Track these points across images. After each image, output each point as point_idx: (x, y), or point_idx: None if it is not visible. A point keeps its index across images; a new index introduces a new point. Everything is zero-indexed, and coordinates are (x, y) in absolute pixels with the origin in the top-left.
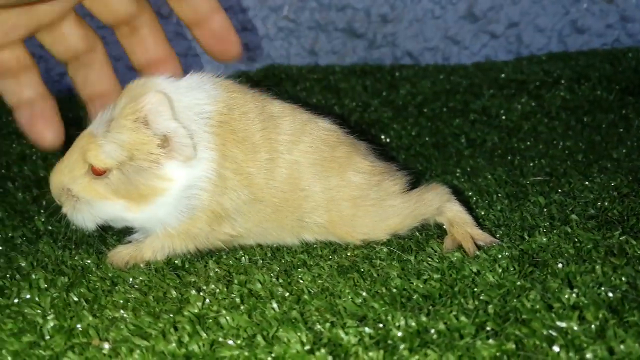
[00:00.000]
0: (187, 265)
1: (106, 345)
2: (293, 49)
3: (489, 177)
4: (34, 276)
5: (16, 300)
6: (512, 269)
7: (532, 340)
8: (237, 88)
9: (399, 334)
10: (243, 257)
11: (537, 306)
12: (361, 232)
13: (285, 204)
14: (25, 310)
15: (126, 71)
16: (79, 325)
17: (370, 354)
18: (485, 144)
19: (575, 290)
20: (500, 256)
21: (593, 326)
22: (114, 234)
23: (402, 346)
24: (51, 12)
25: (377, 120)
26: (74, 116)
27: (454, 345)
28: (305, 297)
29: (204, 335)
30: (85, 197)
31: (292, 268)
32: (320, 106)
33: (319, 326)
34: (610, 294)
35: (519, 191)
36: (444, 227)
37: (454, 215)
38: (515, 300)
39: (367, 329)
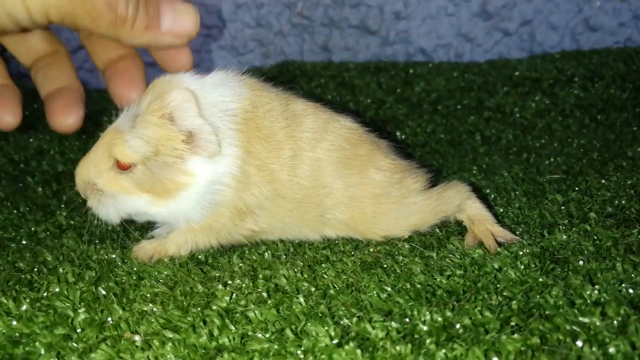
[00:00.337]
0: (210, 260)
1: (138, 338)
2: (307, 46)
3: (506, 174)
4: (61, 270)
5: (46, 294)
6: (533, 265)
7: (556, 335)
8: (261, 86)
9: (425, 328)
10: (266, 253)
11: (560, 302)
12: (382, 229)
13: (308, 200)
14: (56, 304)
15: None
16: (109, 319)
17: (398, 347)
18: (500, 141)
19: (597, 286)
20: (521, 253)
21: (615, 322)
22: (137, 229)
23: (428, 340)
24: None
25: (393, 117)
26: (90, 111)
27: (479, 340)
28: (331, 292)
29: (233, 328)
30: (110, 191)
31: (315, 263)
32: (336, 103)
33: (346, 320)
34: (631, 291)
35: (536, 189)
36: (464, 224)
37: (474, 212)
38: (538, 296)
39: (393, 324)
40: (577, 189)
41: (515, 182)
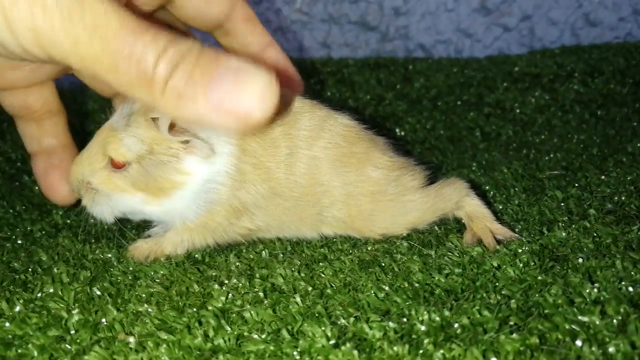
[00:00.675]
0: (207, 260)
1: (132, 340)
2: (306, 42)
3: (505, 171)
4: (56, 270)
5: (40, 295)
6: (532, 263)
7: (555, 335)
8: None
9: (423, 328)
10: (263, 251)
11: (559, 301)
12: (380, 227)
13: (305, 198)
14: (50, 305)
15: None
16: (104, 320)
17: (395, 348)
18: (500, 137)
19: (596, 285)
20: (520, 251)
21: (615, 321)
22: (133, 228)
23: (426, 340)
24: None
25: (392, 114)
26: (89, 109)
27: (478, 340)
28: (328, 291)
29: (229, 329)
30: (104, 189)
31: (313, 262)
32: (335, 99)
33: (343, 321)
34: (631, 289)
35: (535, 185)
36: (463, 221)
37: (472, 209)
38: (537, 295)
39: (391, 324)
40: (576, 185)
41: (514, 178)
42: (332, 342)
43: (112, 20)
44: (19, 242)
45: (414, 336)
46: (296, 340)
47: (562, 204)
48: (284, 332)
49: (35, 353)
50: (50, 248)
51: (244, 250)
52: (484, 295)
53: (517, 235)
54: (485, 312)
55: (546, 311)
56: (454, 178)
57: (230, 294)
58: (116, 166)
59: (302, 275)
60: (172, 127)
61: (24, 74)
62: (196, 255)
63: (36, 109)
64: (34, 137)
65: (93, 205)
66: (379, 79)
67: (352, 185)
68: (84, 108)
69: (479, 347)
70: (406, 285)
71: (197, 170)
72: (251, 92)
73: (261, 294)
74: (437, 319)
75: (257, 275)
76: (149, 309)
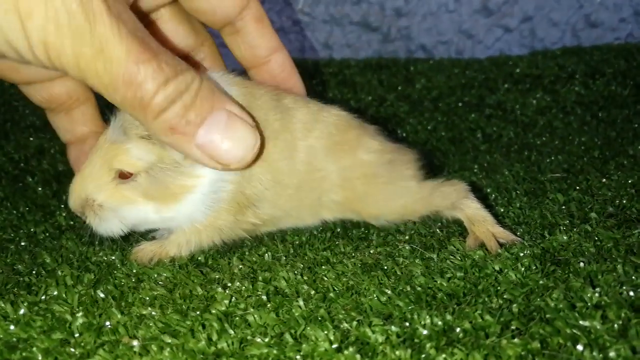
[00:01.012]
0: (210, 262)
1: (136, 343)
2: (308, 42)
3: (507, 173)
4: (60, 273)
5: (44, 297)
6: (534, 267)
7: (556, 339)
8: (250, 83)
9: (425, 332)
10: (266, 254)
11: (561, 305)
12: (374, 209)
13: (305, 185)
14: (54, 307)
15: None
16: (107, 323)
17: (398, 352)
18: (501, 139)
19: (598, 289)
20: (522, 254)
21: (616, 325)
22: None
23: (428, 345)
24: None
25: (394, 115)
26: None
27: (480, 344)
28: (331, 295)
29: (232, 333)
30: (112, 203)
31: (315, 265)
32: (337, 100)
33: (345, 324)
34: (632, 293)
35: (537, 188)
36: (464, 224)
37: (473, 212)
38: (539, 299)
39: (393, 328)
40: (578, 188)
41: (516, 181)
42: (335, 346)
43: (118, 46)
44: (23, 244)
45: (416, 340)
46: (299, 344)
47: (564, 207)
48: (287, 336)
49: (40, 356)
50: (54, 250)
51: (247, 253)
52: (486, 299)
53: (519, 238)
54: (487, 317)
55: (547, 315)
56: (455, 179)
57: (233, 297)
58: (124, 177)
59: (305, 278)
60: None
61: (39, 70)
62: (199, 258)
63: (62, 100)
64: (65, 127)
65: (100, 222)
66: (380, 80)
67: (347, 170)
68: None
69: (481, 351)
70: (408, 289)
71: (206, 172)
72: (236, 144)
73: (264, 297)
74: (439, 323)
75: (260, 278)
76: (153, 312)
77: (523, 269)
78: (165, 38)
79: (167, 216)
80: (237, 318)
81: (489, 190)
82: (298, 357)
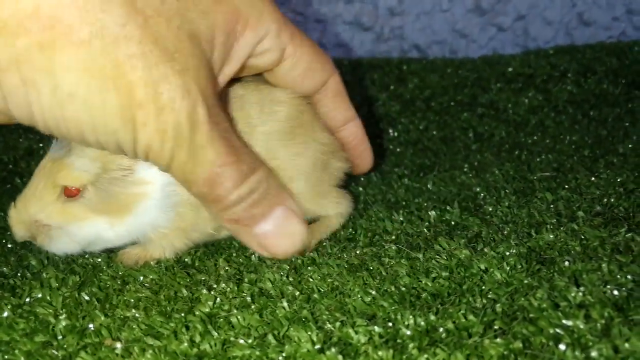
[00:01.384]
0: (197, 264)
1: (118, 345)
2: None
3: (497, 172)
4: (45, 275)
5: (28, 300)
6: (519, 266)
7: (539, 339)
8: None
9: (408, 332)
10: (253, 255)
11: (544, 305)
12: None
13: None
14: (37, 310)
15: None
16: (91, 325)
17: (380, 353)
18: (492, 138)
19: (582, 288)
20: (507, 253)
21: (598, 324)
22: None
23: (411, 345)
24: None
25: (386, 114)
26: None
27: (462, 344)
28: (315, 296)
29: (215, 334)
30: (60, 222)
31: (301, 266)
32: None
33: (329, 325)
34: (616, 292)
35: (526, 187)
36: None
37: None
38: (522, 298)
39: (376, 328)
40: (566, 187)
41: (505, 180)
42: (317, 346)
43: (210, 150)
44: (9, 246)
45: (399, 341)
46: (282, 345)
47: (552, 206)
48: (270, 337)
49: (22, 358)
50: (40, 252)
51: (234, 254)
52: (470, 299)
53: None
54: (471, 317)
55: (531, 315)
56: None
57: (218, 299)
58: (70, 195)
59: (291, 279)
60: None
61: None
62: (186, 260)
63: None
64: None
65: (51, 242)
66: (372, 80)
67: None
68: None
69: (463, 351)
70: (393, 289)
71: (154, 177)
72: (287, 240)
73: (249, 299)
74: (423, 323)
75: (246, 280)
76: (137, 314)
77: (508, 268)
78: None
79: (121, 230)
80: (221, 319)
81: (478, 189)
82: (280, 358)
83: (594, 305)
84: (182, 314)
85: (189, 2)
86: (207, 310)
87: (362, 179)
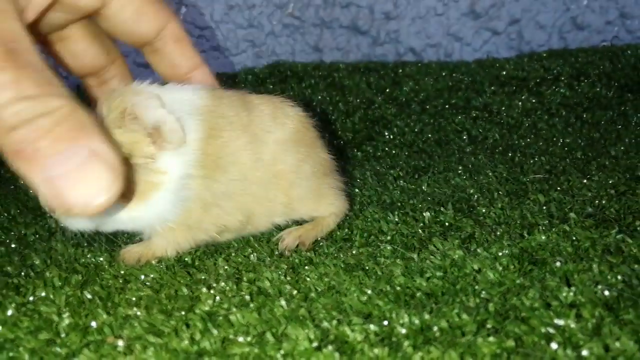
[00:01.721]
0: (197, 263)
1: (120, 343)
2: (298, 46)
3: (490, 174)
4: (48, 274)
5: (31, 298)
6: (512, 267)
7: (531, 338)
8: (216, 87)
9: (403, 331)
10: (252, 255)
11: (536, 304)
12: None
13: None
14: (41, 308)
15: (134, 67)
16: (93, 323)
17: (376, 350)
18: (486, 140)
19: (573, 288)
20: (500, 254)
21: (589, 324)
22: (124, 232)
23: (405, 343)
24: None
25: (381, 117)
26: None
27: (455, 343)
28: (313, 295)
29: (215, 332)
30: None
31: (299, 266)
32: (325, 103)
33: (325, 323)
34: (607, 292)
35: (519, 189)
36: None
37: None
38: (515, 298)
39: (372, 326)
40: (559, 188)
41: (499, 182)
42: (314, 344)
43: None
44: (13, 245)
45: (394, 339)
46: (280, 343)
47: (544, 208)
48: (268, 335)
49: (26, 356)
50: (43, 252)
51: (233, 254)
52: (464, 298)
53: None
54: (464, 316)
55: (523, 314)
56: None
57: (217, 297)
58: None
59: (288, 279)
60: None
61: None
62: (186, 259)
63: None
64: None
65: (68, 217)
66: (368, 83)
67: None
68: None
69: (457, 349)
70: (388, 288)
71: (172, 168)
72: (86, 186)
73: (247, 297)
74: (417, 322)
75: (245, 279)
76: (138, 313)
77: (501, 268)
78: (72, 57)
79: (135, 215)
80: (220, 318)
81: (472, 191)
82: (278, 355)
83: (585, 305)
84: (183, 312)
85: None
86: (207, 308)
87: (359, 180)
